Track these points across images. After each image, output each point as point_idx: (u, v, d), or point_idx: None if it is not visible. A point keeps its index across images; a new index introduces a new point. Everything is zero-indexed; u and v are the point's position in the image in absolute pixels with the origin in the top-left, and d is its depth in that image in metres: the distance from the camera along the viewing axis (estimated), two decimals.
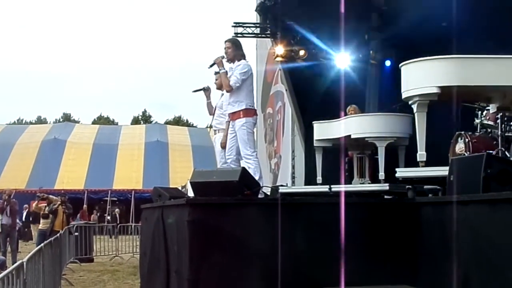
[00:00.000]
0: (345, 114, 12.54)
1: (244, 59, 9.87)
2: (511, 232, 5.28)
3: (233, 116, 9.73)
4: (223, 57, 9.99)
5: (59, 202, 20.80)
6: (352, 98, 14.03)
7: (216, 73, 10.31)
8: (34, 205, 20.84)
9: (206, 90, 11.06)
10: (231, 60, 9.87)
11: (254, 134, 11.00)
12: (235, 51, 9.86)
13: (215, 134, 10.98)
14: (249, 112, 9.70)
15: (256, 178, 8.64)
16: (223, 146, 10.38)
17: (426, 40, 13.66)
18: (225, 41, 10.06)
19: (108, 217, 40.65)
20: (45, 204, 20.40)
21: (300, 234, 7.03)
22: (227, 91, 9.94)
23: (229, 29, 19.22)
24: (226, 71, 9.90)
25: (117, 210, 42.40)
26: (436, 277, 6.67)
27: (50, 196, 21.26)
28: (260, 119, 27.38)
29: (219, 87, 10.55)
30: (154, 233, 9.01)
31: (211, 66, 10.22)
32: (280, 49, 17.13)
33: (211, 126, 11.19)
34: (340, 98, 15.22)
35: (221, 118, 10.66)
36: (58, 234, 16.54)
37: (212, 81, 10.75)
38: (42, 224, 20.58)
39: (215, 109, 10.98)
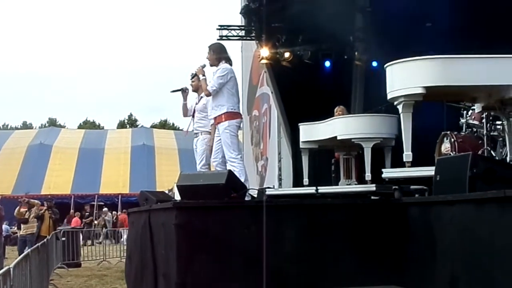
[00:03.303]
0: (333, 115, 12.55)
1: (227, 61, 9.92)
2: (497, 232, 5.30)
3: (217, 120, 9.80)
4: (204, 66, 10.23)
5: (45, 208, 20.73)
6: (338, 100, 14.04)
7: (192, 75, 10.51)
8: (16, 210, 20.72)
9: (184, 91, 11.12)
10: (212, 65, 9.98)
11: (239, 137, 11.02)
12: (213, 55, 9.96)
13: (195, 137, 11.00)
14: (231, 115, 9.74)
15: (242, 180, 8.65)
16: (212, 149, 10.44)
17: (410, 40, 13.71)
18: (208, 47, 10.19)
19: (95, 222, 40.39)
20: (26, 209, 20.32)
21: (287, 236, 7.03)
22: (206, 96, 10.11)
23: (214, 32, 19.22)
24: (205, 78, 10.12)
25: (120, 214, 41.81)
26: (424, 277, 6.68)
27: (31, 200, 21.16)
28: (246, 121, 27.37)
29: (195, 89, 10.72)
30: (141, 237, 9.00)
31: (193, 77, 10.51)
32: (265, 52, 17.13)
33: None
34: (325, 100, 15.27)
35: (203, 121, 10.73)
36: (45, 240, 16.49)
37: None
38: (22, 230, 20.50)
39: (194, 112, 11.02)
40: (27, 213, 20.17)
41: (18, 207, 20.73)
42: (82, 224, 35.46)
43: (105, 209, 41.11)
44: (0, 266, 16.84)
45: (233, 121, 9.76)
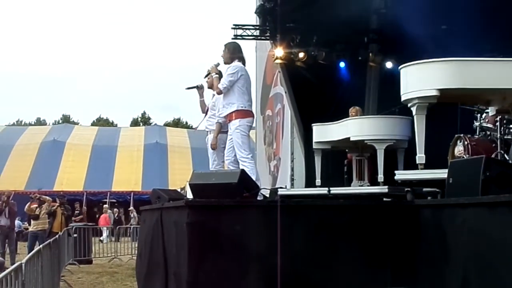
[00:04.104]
0: (346, 116, 12.54)
1: (240, 60, 9.97)
2: (509, 235, 5.29)
3: (228, 118, 9.85)
4: (218, 64, 10.32)
5: (57, 204, 20.82)
6: (351, 101, 14.04)
7: (208, 73, 10.55)
8: (26, 206, 20.76)
9: (200, 88, 11.15)
10: (226, 63, 10.03)
11: (252, 136, 11.02)
12: (227, 54, 10.02)
13: (207, 135, 11.04)
14: (242, 113, 9.77)
15: None
16: (213, 148, 10.48)
17: (425, 42, 13.68)
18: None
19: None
20: (36, 205, 20.38)
21: (299, 236, 7.03)
22: (217, 94, 10.17)
23: (229, 31, 19.18)
24: (218, 76, 10.20)
25: (135, 212, 41.66)
26: (435, 280, 6.67)
27: (43, 196, 21.23)
28: (260, 121, 27.36)
29: (210, 86, 10.75)
30: (153, 235, 9.01)
31: (206, 75, 10.54)
32: (279, 51, 17.11)
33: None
34: (339, 100, 15.27)
35: (213, 119, 10.75)
36: (56, 236, 16.54)
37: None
38: (32, 226, 20.56)
39: (207, 109, 11.05)
40: (38, 209, 20.24)
41: (28, 203, 20.79)
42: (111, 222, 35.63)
43: (105, 206, 41.04)
44: (12, 261, 16.96)
45: (244, 120, 9.78)
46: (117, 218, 39.89)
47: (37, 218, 20.17)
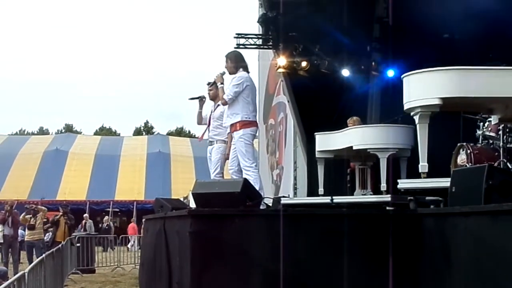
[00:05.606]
0: (347, 126, 12.55)
1: (245, 69, 9.98)
2: None
3: (232, 128, 9.86)
4: (223, 73, 10.25)
5: (60, 213, 20.86)
6: (354, 109, 14.04)
7: (209, 83, 10.57)
8: (21, 216, 20.74)
9: (201, 100, 11.18)
10: (231, 73, 10.02)
11: (255, 145, 11.04)
12: (231, 64, 10.02)
13: (210, 145, 11.02)
14: (246, 123, 9.78)
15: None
16: (229, 158, 10.47)
17: (428, 51, 13.68)
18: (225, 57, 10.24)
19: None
20: (31, 215, 20.41)
21: (302, 245, 7.03)
22: (223, 104, 10.16)
23: (231, 40, 19.15)
24: (223, 86, 10.19)
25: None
26: None
27: (38, 206, 21.29)
28: (262, 130, 27.34)
29: (213, 98, 10.77)
30: (156, 244, 9.02)
31: (211, 85, 10.57)
32: (282, 60, 17.10)
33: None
34: (342, 109, 15.27)
35: (219, 129, 10.75)
36: (60, 245, 16.55)
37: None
38: (28, 236, 20.57)
39: (209, 120, 11.05)
40: (32, 219, 20.28)
41: (23, 213, 20.82)
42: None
43: (85, 215, 40.79)
44: (15, 271, 16.96)
45: (248, 130, 9.79)
46: (106, 227, 39.81)
47: (33, 228, 20.21)
